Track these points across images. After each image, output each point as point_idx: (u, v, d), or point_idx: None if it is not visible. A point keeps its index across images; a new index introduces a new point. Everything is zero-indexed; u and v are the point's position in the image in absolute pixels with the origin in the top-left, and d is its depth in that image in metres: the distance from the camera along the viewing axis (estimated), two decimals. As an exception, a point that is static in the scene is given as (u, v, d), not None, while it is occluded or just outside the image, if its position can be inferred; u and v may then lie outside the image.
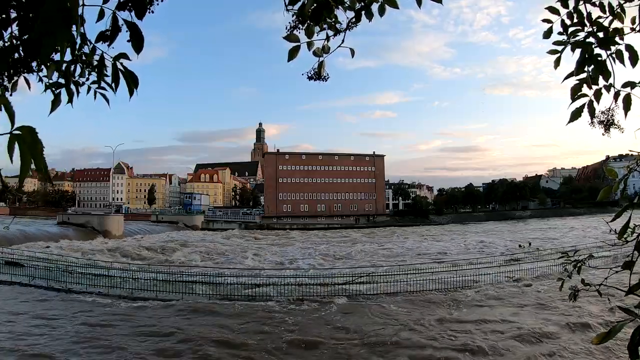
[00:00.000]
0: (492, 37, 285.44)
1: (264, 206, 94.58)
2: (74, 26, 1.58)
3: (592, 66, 1.89)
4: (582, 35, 1.97)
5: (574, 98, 1.89)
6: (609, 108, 1.85)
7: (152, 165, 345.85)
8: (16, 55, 1.60)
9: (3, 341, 10.09)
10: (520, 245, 33.39)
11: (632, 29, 1.88)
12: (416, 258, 28.85)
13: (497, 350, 9.69)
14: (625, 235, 1.69)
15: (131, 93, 1.64)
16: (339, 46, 2.07)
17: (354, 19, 2.06)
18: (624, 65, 1.83)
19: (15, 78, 1.68)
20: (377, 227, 76.93)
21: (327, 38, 2.08)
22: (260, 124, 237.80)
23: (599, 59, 1.88)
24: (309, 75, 2.08)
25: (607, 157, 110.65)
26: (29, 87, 1.83)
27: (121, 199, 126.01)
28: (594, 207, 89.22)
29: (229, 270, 17.98)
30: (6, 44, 1.56)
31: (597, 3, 1.97)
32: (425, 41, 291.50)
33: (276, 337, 10.86)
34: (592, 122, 1.87)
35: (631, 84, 1.78)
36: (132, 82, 1.63)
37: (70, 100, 1.72)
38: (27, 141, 0.95)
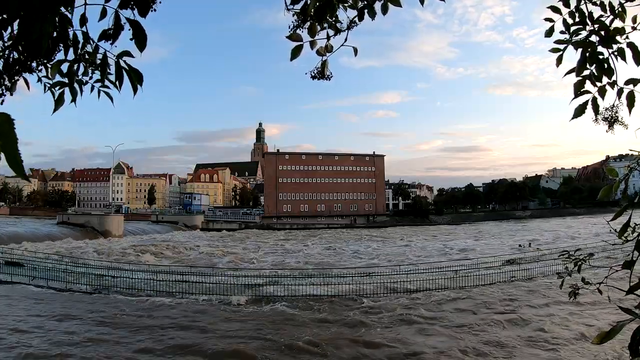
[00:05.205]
0: (496, 36, 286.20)
1: (264, 206, 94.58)
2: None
3: (595, 65, 1.89)
4: (584, 34, 1.97)
5: (576, 94, 1.89)
6: (613, 105, 1.85)
7: (152, 165, 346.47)
8: (15, 55, 1.60)
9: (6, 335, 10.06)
10: (520, 245, 33.30)
11: (633, 28, 1.88)
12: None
13: None
14: (625, 235, 1.69)
15: (135, 90, 1.63)
16: (342, 45, 2.07)
17: (355, 18, 2.06)
18: (626, 62, 1.83)
19: (16, 78, 1.68)
20: (376, 227, 76.89)
21: (328, 37, 2.08)
22: (260, 124, 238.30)
23: (600, 57, 1.89)
24: (313, 74, 2.08)
25: (607, 157, 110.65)
26: (28, 88, 1.83)
27: (121, 199, 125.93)
28: (594, 207, 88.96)
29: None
30: (6, 44, 1.56)
31: (598, 2, 1.97)
32: (429, 41, 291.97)
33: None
34: (596, 119, 1.87)
35: (634, 81, 1.78)
36: (137, 78, 1.62)
37: (74, 100, 1.72)
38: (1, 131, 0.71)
